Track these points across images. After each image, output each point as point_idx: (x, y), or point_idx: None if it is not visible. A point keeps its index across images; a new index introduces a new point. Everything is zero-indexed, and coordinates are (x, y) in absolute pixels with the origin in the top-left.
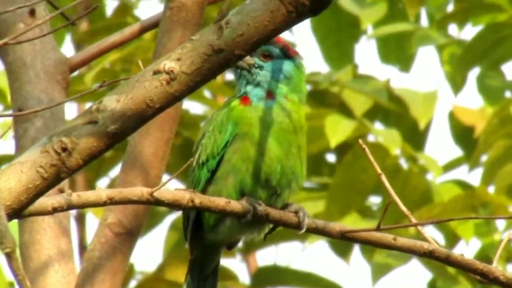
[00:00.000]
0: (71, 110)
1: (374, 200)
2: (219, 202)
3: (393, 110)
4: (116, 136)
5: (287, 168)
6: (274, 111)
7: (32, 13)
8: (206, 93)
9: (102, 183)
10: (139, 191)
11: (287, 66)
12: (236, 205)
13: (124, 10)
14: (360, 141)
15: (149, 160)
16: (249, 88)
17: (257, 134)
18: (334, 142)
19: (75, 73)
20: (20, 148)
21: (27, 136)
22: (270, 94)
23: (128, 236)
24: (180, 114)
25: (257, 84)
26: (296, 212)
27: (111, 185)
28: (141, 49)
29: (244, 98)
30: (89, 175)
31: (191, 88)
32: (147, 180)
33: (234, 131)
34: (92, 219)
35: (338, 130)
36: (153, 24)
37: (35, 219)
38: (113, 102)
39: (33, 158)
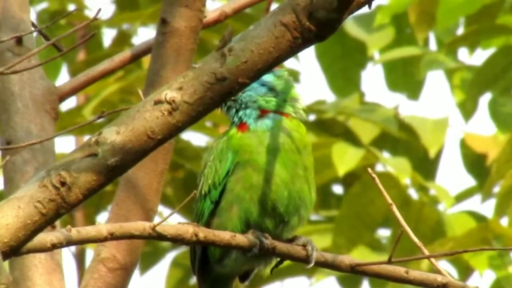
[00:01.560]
0: (69, 144)
1: (383, 233)
2: (224, 236)
3: (402, 138)
4: (117, 169)
5: (294, 193)
6: (274, 132)
7: (19, 41)
8: (208, 123)
9: (102, 218)
10: (141, 225)
11: (266, 78)
12: (241, 239)
13: (122, 39)
14: (369, 170)
15: (143, 192)
16: (241, 113)
17: (259, 160)
18: (342, 170)
19: (72, 105)
20: (9, 181)
21: (15, 168)
22: (263, 111)
23: (123, 271)
24: (176, 144)
25: (246, 106)
26: (304, 246)
27: None
28: (141, 79)
29: (241, 125)
30: (88, 210)
31: (194, 118)
32: (142, 213)
33: (234, 159)
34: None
35: (345, 158)
36: (146, 51)
37: (26, 255)
38: (113, 134)
39: (30, 193)
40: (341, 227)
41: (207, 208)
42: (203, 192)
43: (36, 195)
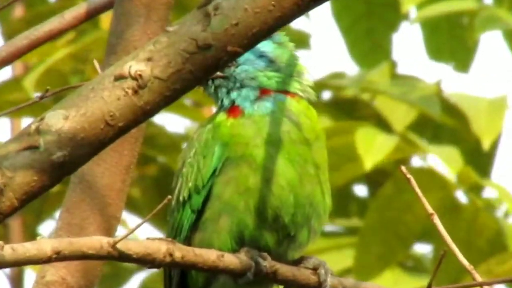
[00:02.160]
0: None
1: (423, 249)
2: (209, 256)
3: (446, 124)
4: (64, 166)
5: (302, 198)
6: (276, 117)
7: None
8: (188, 102)
9: (46, 228)
10: (97, 242)
11: (263, 46)
12: (232, 260)
13: None
14: (403, 168)
15: (103, 194)
16: (234, 94)
17: (257, 154)
18: (369, 163)
19: (8, 77)
20: None
21: None
22: (264, 91)
23: None
24: (146, 131)
25: (241, 85)
26: (315, 269)
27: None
28: (100, 42)
29: (233, 109)
30: (28, 218)
31: (168, 99)
32: (101, 222)
33: (223, 154)
34: (32, 278)
35: (373, 147)
36: (106, 5)
37: None
38: (60, 120)
39: None
40: (367, 241)
41: (186, 219)
42: (181, 198)
43: None
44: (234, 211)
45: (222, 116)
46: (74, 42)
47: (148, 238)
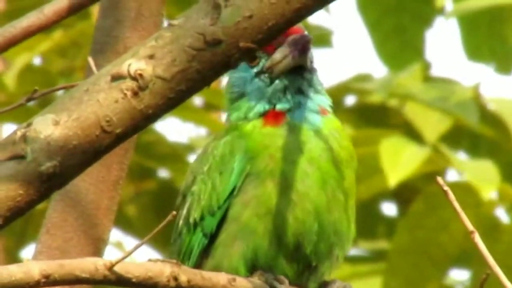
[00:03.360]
0: None
1: (459, 275)
2: (218, 279)
3: (485, 134)
4: (54, 178)
5: (328, 225)
6: (321, 133)
7: None
8: (197, 102)
9: (29, 253)
10: (92, 264)
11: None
12: (244, 285)
13: None
14: (439, 179)
15: (88, 213)
16: (300, 99)
17: (291, 172)
18: (394, 179)
19: None
20: None
21: None
22: (323, 110)
23: None
24: (141, 138)
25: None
26: None
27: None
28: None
29: (273, 115)
30: (9, 242)
31: (171, 102)
32: (86, 245)
33: (244, 170)
34: None
35: (400, 160)
36: None
37: None
38: (49, 126)
39: None
40: (395, 265)
41: (197, 244)
42: (191, 220)
43: None
44: (251, 236)
45: (255, 123)
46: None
47: (150, 260)
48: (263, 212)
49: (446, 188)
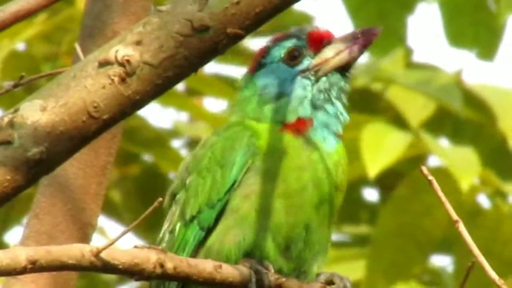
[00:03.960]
0: None
1: (441, 261)
2: (204, 266)
3: (468, 118)
4: (41, 164)
5: (314, 237)
6: (332, 158)
7: None
8: (179, 88)
9: (13, 237)
10: (78, 250)
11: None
12: (230, 271)
13: None
14: (424, 168)
15: (77, 198)
16: (331, 109)
17: (292, 183)
18: (375, 169)
19: None
20: None
21: None
22: (339, 134)
23: None
24: (126, 124)
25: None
26: (329, 284)
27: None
28: (74, 22)
29: (300, 122)
30: None
31: (159, 88)
32: (74, 230)
33: (246, 162)
34: None
35: (383, 148)
36: None
37: None
38: (36, 112)
39: None
40: (380, 249)
41: (193, 237)
42: (188, 215)
43: None
44: (248, 228)
45: (273, 125)
46: (46, 22)
47: (136, 246)
48: (262, 205)
49: (430, 177)
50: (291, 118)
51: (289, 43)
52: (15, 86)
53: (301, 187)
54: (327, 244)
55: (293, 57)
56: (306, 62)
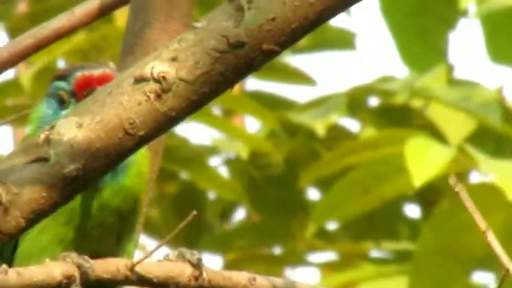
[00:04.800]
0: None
1: (482, 277)
2: (238, 278)
3: (509, 135)
4: (78, 181)
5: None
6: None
7: None
8: (215, 110)
9: None
10: (113, 265)
11: None
12: (264, 283)
13: None
14: (452, 179)
15: None
16: None
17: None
18: (419, 180)
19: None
20: None
21: None
22: None
23: None
24: (168, 143)
25: None
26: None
27: None
28: (111, 40)
29: None
30: None
31: (195, 104)
32: None
33: None
34: None
35: (426, 161)
36: (122, 1)
37: None
38: (72, 128)
39: None
40: (421, 266)
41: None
42: None
43: None
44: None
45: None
46: (83, 39)
47: (168, 259)
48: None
49: (458, 188)
50: None
51: (60, 85)
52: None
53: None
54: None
55: (61, 101)
56: (70, 109)
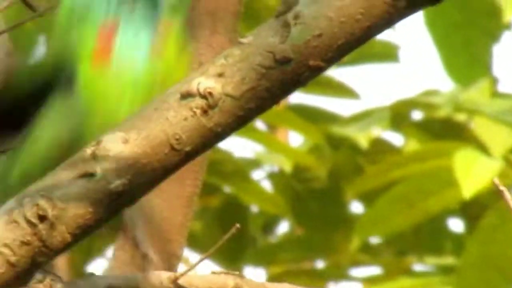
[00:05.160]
0: None
1: None
2: None
3: None
4: (124, 196)
5: None
6: None
7: None
8: (259, 125)
9: (96, 268)
10: (156, 277)
11: None
12: None
13: None
14: (496, 180)
15: (162, 229)
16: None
17: None
18: (469, 191)
19: None
20: None
21: None
22: None
23: None
24: (211, 157)
25: None
26: None
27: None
28: None
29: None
30: (75, 256)
31: (241, 120)
32: (160, 261)
33: None
34: None
35: (473, 172)
36: None
37: None
38: (119, 144)
39: None
40: (466, 281)
41: None
42: None
43: (2, 235)
44: None
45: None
46: None
47: (213, 272)
48: None
49: (502, 187)
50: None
51: None
52: None
53: None
54: None
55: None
56: None
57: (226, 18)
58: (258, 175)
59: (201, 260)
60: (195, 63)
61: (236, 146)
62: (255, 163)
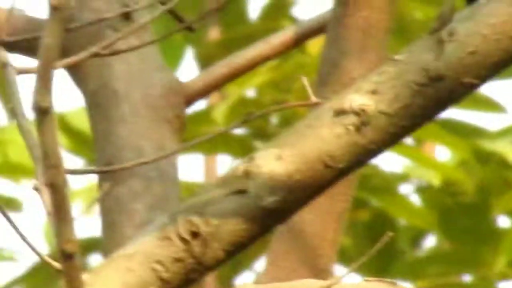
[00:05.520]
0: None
1: None
2: None
3: None
4: (277, 213)
5: None
6: None
7: (127, 16)
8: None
9: (242, 281)
10: (307, 286)
11: None
12: None
13: (278, 9)
14: None
15: (313, 245)
16: None
17: None
18: None
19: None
20: (110, 226)
21: (120, 206)
22: None
23: None
24: (362, 171)
25: None
26: None
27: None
28: (305, 69)
29: None
30: (222, 271)
31: (394, 137)
32: (311, 277)
33: None
34: None
35: None
36: (317, 30)
37: None
38: (272, 160)
39: (145, 248)
40: None
41: None
42: None
43: (155, 251)
44: None
45: None
46: (276, 69)
47: (365, 280)
48: None
49: None
50: None
51: None
52: (242, 123)
53: None
54: None
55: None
56: None
57: (376, 35)
58: (405, 189)
59: (348, 272)
60: (346, 79)
61: (384, 160)
62: (403, 177)
